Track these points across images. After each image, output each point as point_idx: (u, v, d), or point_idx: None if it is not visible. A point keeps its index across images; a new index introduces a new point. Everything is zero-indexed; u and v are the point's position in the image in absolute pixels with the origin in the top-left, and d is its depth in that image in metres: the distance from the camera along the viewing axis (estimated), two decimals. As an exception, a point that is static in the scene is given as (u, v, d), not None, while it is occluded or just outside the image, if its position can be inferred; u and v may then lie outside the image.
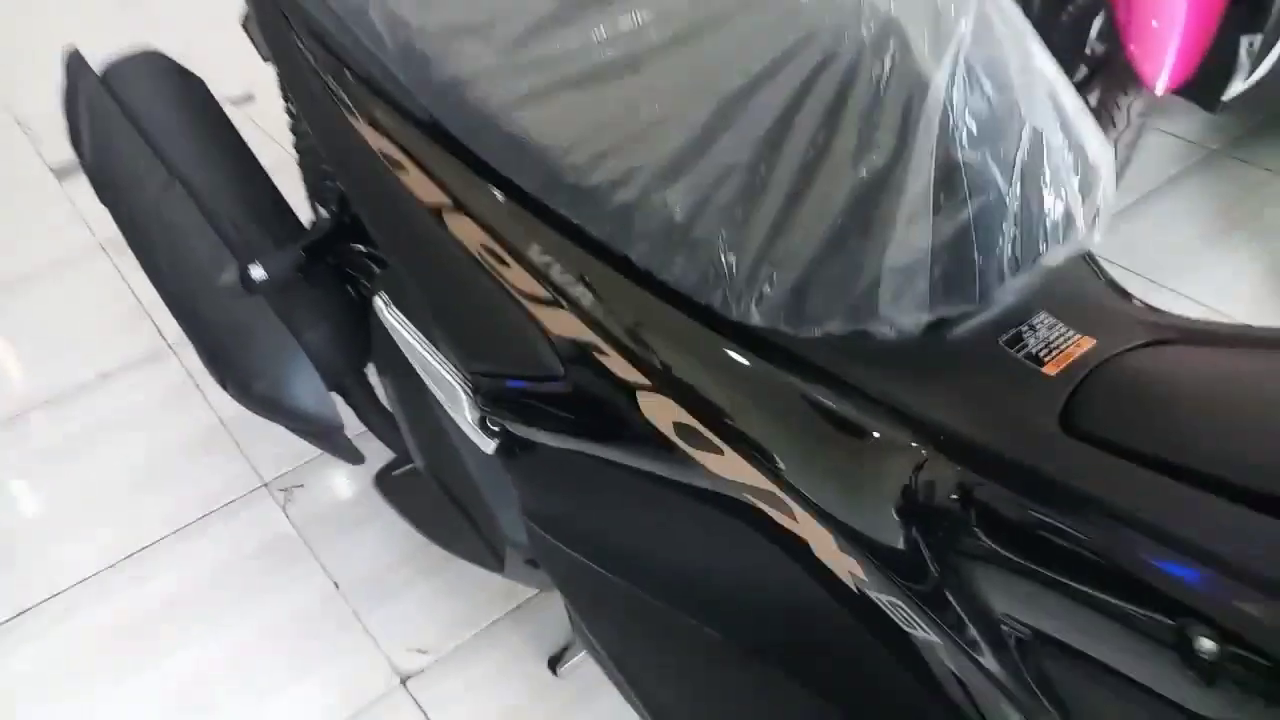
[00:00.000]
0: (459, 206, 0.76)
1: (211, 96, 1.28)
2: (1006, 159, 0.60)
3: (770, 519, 0.66)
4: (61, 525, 1.57)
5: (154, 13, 3.03)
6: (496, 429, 0.86)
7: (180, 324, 1.14)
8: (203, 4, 2.96)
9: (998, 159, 0.59)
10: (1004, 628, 0.55)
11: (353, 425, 1.21)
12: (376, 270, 1.13)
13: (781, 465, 0.64)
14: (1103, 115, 1.69)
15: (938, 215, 0.58)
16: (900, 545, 0.59)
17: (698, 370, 0.67)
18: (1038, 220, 0.61)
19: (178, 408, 1.75)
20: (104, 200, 1.20)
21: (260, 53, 1.14)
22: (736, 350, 0.65)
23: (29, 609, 1.45)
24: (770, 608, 0.75)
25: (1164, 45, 1.52)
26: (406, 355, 0.92)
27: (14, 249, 2.15)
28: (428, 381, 0.91)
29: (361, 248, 1.16)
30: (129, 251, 1.18)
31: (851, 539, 0.62)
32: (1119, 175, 1.76)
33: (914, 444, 0.58)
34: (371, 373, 1.21)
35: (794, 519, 0.65)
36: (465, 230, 0.77)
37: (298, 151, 1.28)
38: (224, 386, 1.10)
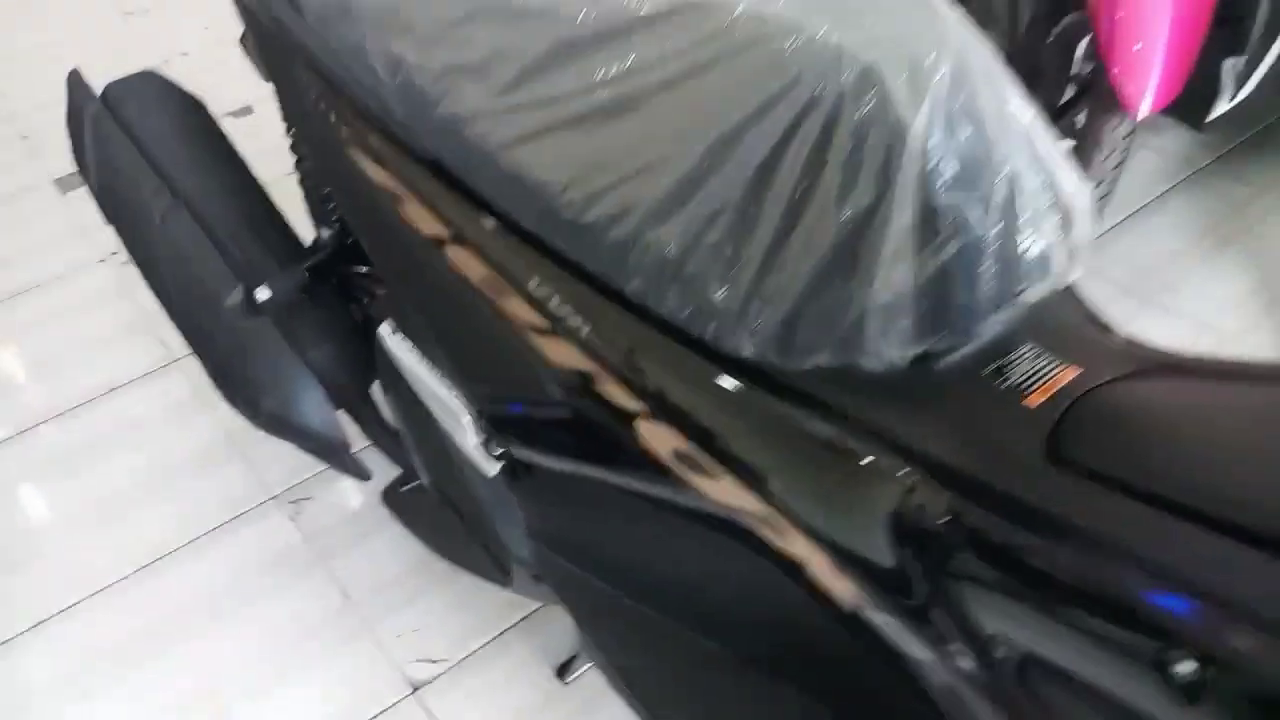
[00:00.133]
0: (459, 239, 0.79)
1: (211, 117, 1.31)
2: (985, 201, 0.62)
3: (766, 540, 0.69)
4: (73, 537, 1.60)
5: (154, 25, 3.06)
6: (499, 452, 0.89)
7: (189, 344, 1.17)
8: (202, 17, 3.00)
9: (977, 201, 0.62)
10: (992, 648, 0.58)
11: (359, 439, 1.24)
12: (378, 290, 1.16)
13: (776, 490, 0.67)
14: (1088, 138, 1.71)
15: (920, 255, 0.61)
16: (890, 568, 0.62)
17: (693, 399, 0.70)
18: (1017, 258, 0.64)
19: (185, 420, 1.78)
20: (111, 222, 1.22)
21: (259, 72, 1.17)
22: (730, 380, 0.68)
23: (44, 620, 1.48)
24: (768, 623, 0.78)
25: (1147, 69, 1.55)
26: (411, 381, 0.95)
27: (18, 261, 2.17)
28: (432, 407, 0.94)
29: (364, 268, 1.19)
30: (132, 263, 1.21)
31: (844, 561, 0.65)
32: (1107, 197, 1.78)
33: (903, 471, 0.61)
34: (376, 389, 1.24)
35: (789, 542, 0.68)
36: (465, 262, 0.80)
37: (298, 171, 1.31)
38: (233, 405, 1.13)
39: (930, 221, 0.61)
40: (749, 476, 0.67)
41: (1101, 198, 1.77)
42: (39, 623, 1.48)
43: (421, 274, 0.87)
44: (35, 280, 2.11)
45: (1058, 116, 1.89)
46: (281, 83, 1.02)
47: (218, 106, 2.41)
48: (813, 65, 0.62)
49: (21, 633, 1.47)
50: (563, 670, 1.36)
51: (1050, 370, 0.62)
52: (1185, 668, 0.47)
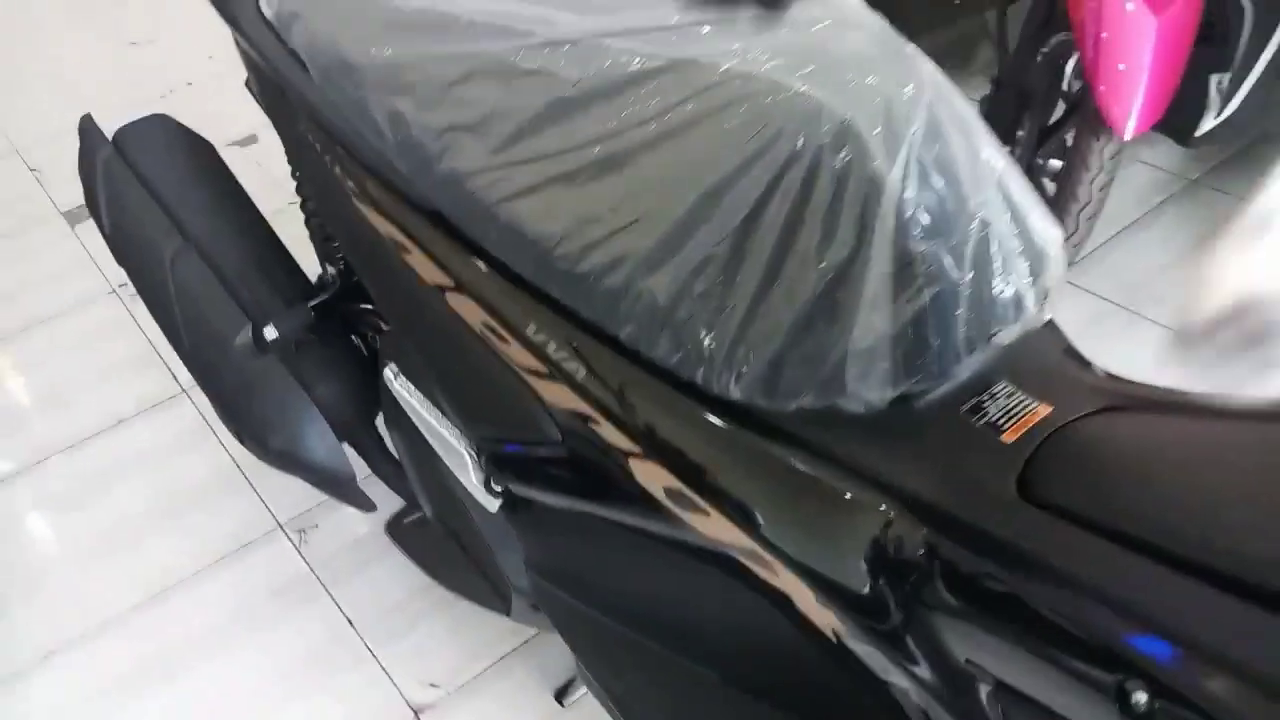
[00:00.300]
0: (460, 287, 0.83)
1: (220, 159, 1.34)
2: (958, 248, 0.65)
3: (754, 573, 0.72)
4: (83, 568, 1.63)
5: (159, 55, 3.10)
6: (500, 489, 0.92)
7: (198, 382, 1.20)
8: (206, 47, 3.04)
9: (950, 248, 0.65)
10: (967, 674, 0.61)
11: (362, 469, 1.27)
12: (382, 326, 1.19)
13: (763, 526, 0.70)
14: (1075, 159, 1.74)
15: (896, 302, 0.64)
16: (870, 599, 0.65)
17: (684, 439, 0.73)
18: (990, 302, 0.67)
19: (192, 450, 1.81)
20: (122, 264, 1.26)
21: (264, 109, 1.20)
22: (720, 421, 0.71)
23: (55, 650, 1.50)
24: (759, 652, 0.80)
25: (1132, 89, 1.57)
26: (414, 420, 0.99)
27: (28, 293, 2.20)
28: (434, 445, 0.97)
29: (368, 305, 1.22)
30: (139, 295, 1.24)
31: (829, 593, 0.67)
32: (1094, 217, 1.81)
33: (883, 507, 0.64)
34: (380, 420, 1.27)
35: (777, 575, 0.71)
36: (466, 308, 0.83)
37: (303, 212, 1.34)
38: (241, 442, 1.16)
39: (906, 269, 0.64)
40: (737, 513, 0.70)
41: (1089, 218, 1.80)
42: (49, 653, 1.50)
43: (424, 319, 0.90)
44: (44, 312, 2.15)
45: (1047, 135, 1.93)
46: (285, 131, 1.05)
47: (222, 135, 2.44)
48: (794, 119, 0.65)
49: (31, 663, 1.49)
50: (561, 694, 1.39)
51: (1024, 407, 0.65)
52: (1141, 699, 0.49)
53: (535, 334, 0.78)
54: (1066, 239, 1.82)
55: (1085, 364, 0.71)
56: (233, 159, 1.35)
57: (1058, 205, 1.81)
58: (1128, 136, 1.60)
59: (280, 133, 1.10)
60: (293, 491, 1.68)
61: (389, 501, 1.38)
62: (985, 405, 0.66)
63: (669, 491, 0.74)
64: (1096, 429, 0.63)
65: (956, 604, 0.60)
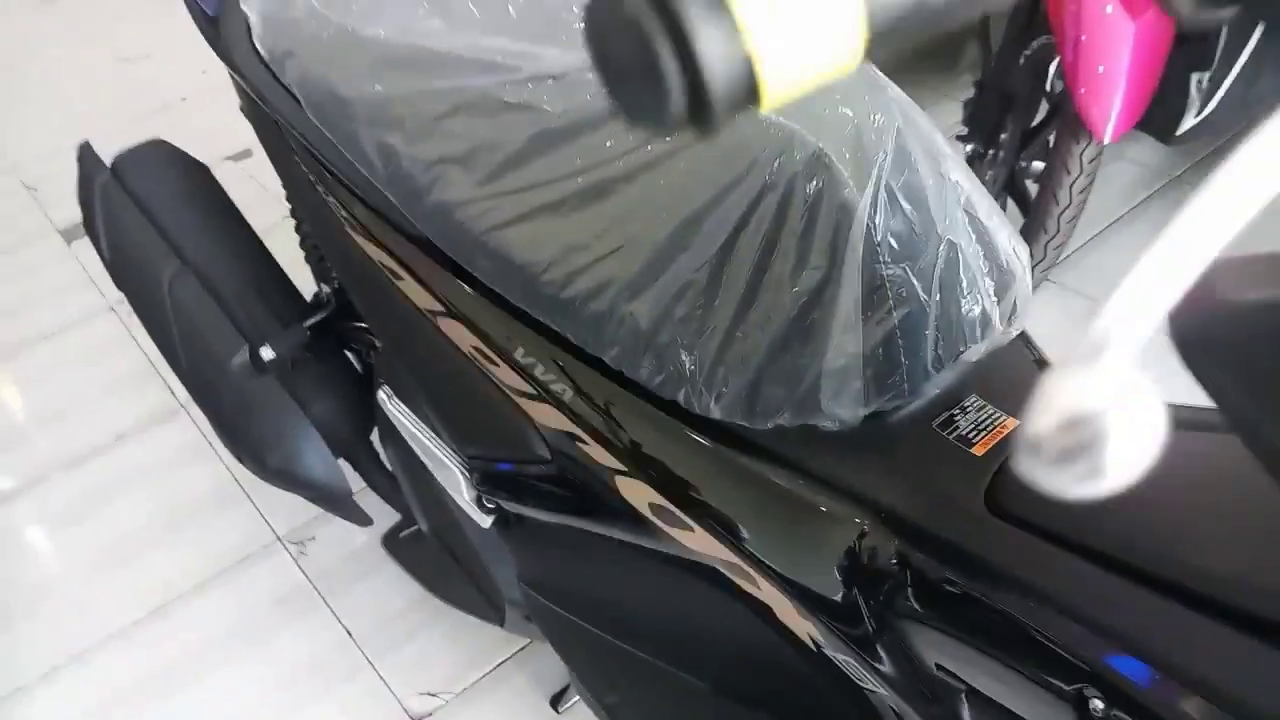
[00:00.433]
0: (451, 312, 0.85)
1: (216, 182, 1.36)
2: (925, 271, 0.68)
3: (737, 584, 0.75)
4: (85, 583, 1.66)
5: (153, 71, 3.11)
6: (491, 506, 0.95)
7: (197, 402, 1.23)
8: (199, 62, 3.04)
9: (918, 271, 0.68)
10: (938, 680, 0.64)
11: (358, 482, 1.30)
12: (376, 343, 1.22)
13: (744, 540, 0.72)
14: (1056, 162, 1.76)
15: (867, 323, 0.67)
16: (847, 609, 0.68)
17: (668, 457, 0.76)
18: (958, 322, 0.69)
19: (191, 464, 1.83)
20: (121, 288, 1.28)
21: (260, 140, 1.23)
22: (701, 439, 0.73)
23: (58, 666, 1.53)
24: (745, 660, 0.83)
25: (1111, 91, 1.59)
26: (408, 440, 1.01)
27: (26, 311, 2.23)
28: (428, 463, 1.00)
29: (362, 324, 1.24)
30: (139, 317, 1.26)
31: (807, 604, 0.70)
32: (1074, 219, 1.83)
33: (856, 520, 0.66)
34: (376, 435, 1.30)
35: (759, 587, 0.73)
36: (457, 332, 0.86)
37: (298, 234, 1.37)
38: (240, 461, 1.19)
39: (876, 292, 0.66)
40: (719, 527, 0.73)
41: (1070, 220, 1.82)
42: (53, 669, 1.53)
43: (416, 342, 0.93)
44: (43, 330, 2.17)
45: (1030, 138, 1.95)
46: (280, 161, 1.07)
47: (217, 151, 2.46)
48: (768, 148, 0.67)
49: (34, 679, 1.52)
50: (556, 700, 1.41)
51: (994, 421, 0.67)
52: (1099, 706, 0.52)
53: (523, 357, 0.81)
54: (1048, 241, 1.84)
55: None
56: (228, 173, 1.38)
57: (1039, 207, 1.83)
58: (1107, 140, 1.62)
59: (275, 163, 1.12)
60: (290, 504, 1.70)
61: (385, 515, 1.41)
62: (956, 419, 0.68)
63: (654, 508, 0.77)
64: None
65: (926, 612, 0.62)
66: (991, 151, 1.97)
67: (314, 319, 1.22)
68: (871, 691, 0.71)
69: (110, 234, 1.26)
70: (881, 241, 0.66)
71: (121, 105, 2.92)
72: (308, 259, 1.36)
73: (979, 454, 0.65)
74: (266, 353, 1.15)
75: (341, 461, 1.22)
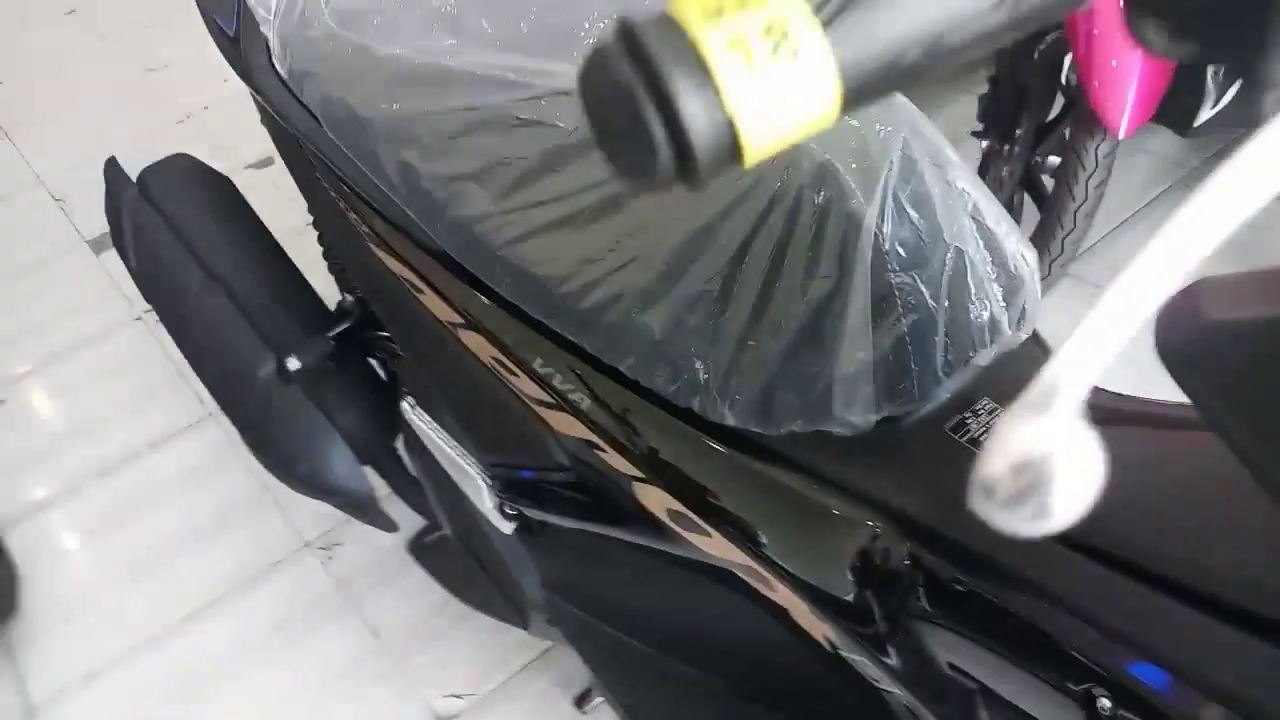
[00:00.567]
0: (470, 324, 0.87)
1: (239, 194, 1.39)
2: (933, 278, 0.69)
3: (754, 587, 0.77)
4: (120, 590, 1.69)
5: (176, 81, 3.14)
6: (513, 513, 0.97)
7: (225, 413, 1.25)
8: (222, 72, 3.08)
9: (926, 279, 0.69)
10: (949, 679, 0.65)
11: (383, 488, 1.32)
12: (399, 352, 1.24)
13: (760, 544, 0.74)
14: (1071, 157, 1.76)
15: (876, 331, 0.68)
16: (861, 610, 0.69)
17: (684, 464, 0.77)
18: (966, 327, 0.70)
19: (221, 472, 1.87)
20: (149, 301, 1.31)
21: (281, 157, 1.25)
22: (716, 446, 0.75)
23: (97, 671, 1.57)
24: (762, 661, 0.85)
25: (1125, 86, 1.58)
26: (431, 450, 1.03)
27: (56, 322, 2.27)
28: (451, 472, 1.02)
29: (385, 334, 1.27)
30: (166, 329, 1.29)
31: (822, 606, 0.72)
32: (1091, 214, 1.83)
33: (869, 523, 0.68)
34: (400, 442, 1.32)
35: (775, 589, 0.75)
36: (477, 344, 0.88)
37: (321, 244, 1.39)
38: (268, 469, 1.21)
39: (885, 300, 0.68)
40: (736, 532, 0.75)
41: (1086, 215, 1.82)
42: (90, 674, 1.57)
43: (437, 353, 0.95)
44: (72, 340, 2.21)
45: (1046, 133, 1.95)
46: (301, 176, 1.10)
47: (239, 158, 2.50)
48: (776, 160, 0.69)
49: (73, 683, 1.56)
50: (581, 700, 1.43)
51: None
52: (1106, 705, 0.53)
53: (542, 367, 0.83)
54: (1065, 236, 1.84)
55: None
56: (250, 180, 1.40)
57: (1055, 203, 1.83)
58: (1122, 135, 1.62)
59: (297, 180, 1.14)
60: (317, 510, 1.73)
61: (410, 521, 1.43)
62: (968, 423, 0.69)
63: (672, 513, 0.78)
64: None
65: (938, 613, 0.64)
66: (1007, 147, 1.97)
67: (338, 329, 1.24)
68: (887, 692, 0.72)
69: (138, 248, 1.29)
70: (889, 250, 0.68)
71: (145, 115, 2.95)
72: (331, 269, 1.39)
73: None
74: (292, 363, 1.17)
75: (367, 468, 1.25)
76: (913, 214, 0.69)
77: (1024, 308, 0.74)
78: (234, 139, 2.45)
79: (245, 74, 1.06)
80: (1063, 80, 1.92)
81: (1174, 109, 1.74)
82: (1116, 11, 1.58)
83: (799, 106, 0.29)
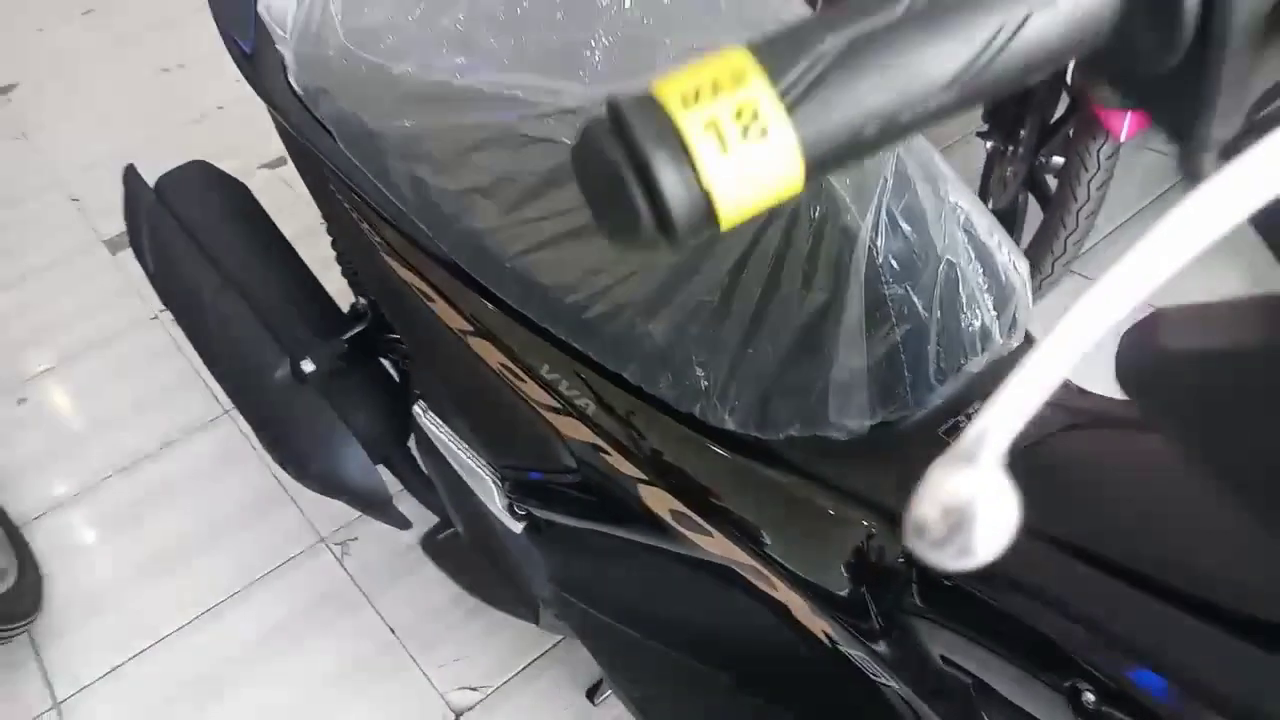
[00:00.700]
0: (480, 332, 0.90)
1: (254, 199, 1.42)
2: (926, 289, 0.71)
3: (756, 585, 0.80)
4: (140, 585, 1.73)
5: (190, 81, 3.18)
6: (523, 512, 1.00)
7: (241, 413, 1.29)
8: (233, 71, 3.10)
9: (918, 290, 0.71)
10: (943, 672, 0.68)
11: (396, 485, 1.36)
12: (411, 354, 1.27)
13: (760, 544, 0.77)
14: (1074, 158, 1.78)
15: (870, 340, 0.71)
16: (857, 606, 0.72)
17: (686, 466, 0.80)
18: (958, 336, 0.73)
19: (237, 468, 1.91)
20: (166, 304, 1.35)
21: (298, 171, 1.28)
22: (717, 449, 0.78)
23: (118, 665, 1.61)
24: (764, 656, 0.88)
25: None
26: (444, 452, 1.07)
27: (75, 321, 2.31)
28: (462, 474, 1.05)
29: (396, 336, 1.30)
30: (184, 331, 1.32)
31: (820, 603, 0.75)
32: (1093, 215, 1.85)
33: (864, 523, 0.71)
34: (413, 442, 1.36)
35: (775, 587, 0.78)
36: (486, 351, 0.91)
37: (334, 249, 1.42)
38: (284, 468, 1.24)
39: (879, 311, 0.70)
40: (737, 532, 0.77)
41: (1089, 216, 1.84)
42: (113, 668, 1.61)
43: (448, 359, 0.98)
44: (91, 339, 2.25)
45: (1050, 133, 1.97)
46: (316, 188, 1.13)
47: (254, 158, 2.52)
48: None
49: (94, 677, 1.60)
50: (592, 692, 1.47)
51: None
52: (1090, 698, 0.56)
53: (548, 373, 0.86)
54: (1068, 236, 1.86)
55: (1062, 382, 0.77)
56: (264, 180, 1.43)
57: (1058, 203, 1.85)
58: (1124, 137, 1.64)
59: (312, 192, 1.17)
60: (332, 507, 1.75)
61: (423, 518, 1.47)
62: (961, 426, 0.72)
63: (674, 514, 0.81)
64: (1059, 447, 0.69)
65: (930, 609, 0.66)
66: (1012, 147, 1.99)
67: (351, 331, 1.27)
68: (884, 684, 0.75)
69: (155, 252, 1.32)
70: (883, 263, 0.70)
71: (160, 115, 2.99)
72: (344, 273, 1.42)
73: None
74: (307, 365, 1.20)
75: (380, 467, 1.28)
76: (906, 228, 0.71)
77: (1015, 316, 0.76)
78: (249, 138, 2.48)
79: (262, 90, 1.09)
80: (1067, 80, 1.93)
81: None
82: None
83: (768, 179, 0.32)
